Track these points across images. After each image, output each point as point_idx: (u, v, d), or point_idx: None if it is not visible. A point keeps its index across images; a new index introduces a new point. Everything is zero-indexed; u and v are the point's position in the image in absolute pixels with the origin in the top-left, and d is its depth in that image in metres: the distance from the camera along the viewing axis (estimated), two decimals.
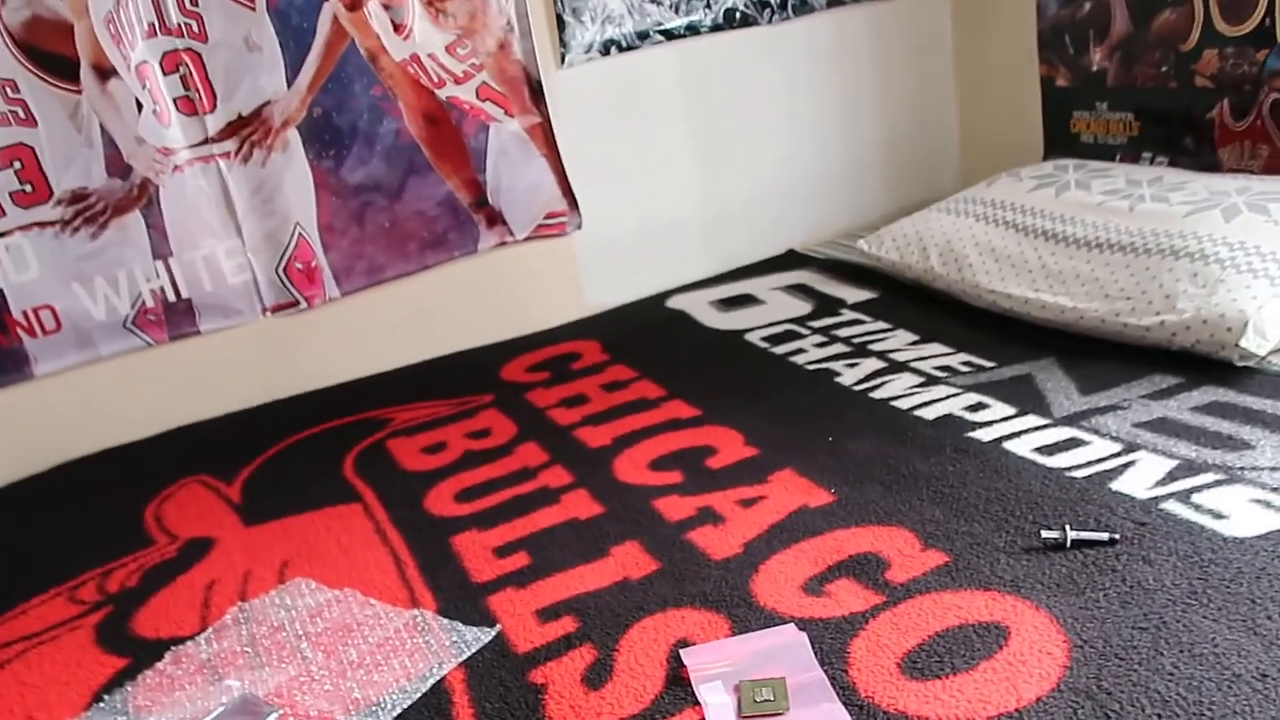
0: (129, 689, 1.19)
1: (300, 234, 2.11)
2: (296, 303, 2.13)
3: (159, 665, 1.23)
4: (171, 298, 2.04)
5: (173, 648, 1.26)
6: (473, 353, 2.22)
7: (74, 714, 1.16)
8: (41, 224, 1.91)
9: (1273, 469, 1.27)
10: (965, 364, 1.74)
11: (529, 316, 2.31)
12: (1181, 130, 2.18)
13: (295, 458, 1.80)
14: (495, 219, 2.27)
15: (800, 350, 1.93)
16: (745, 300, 2.28)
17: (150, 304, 2.02)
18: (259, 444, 1.86)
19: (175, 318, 2.05)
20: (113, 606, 1.39)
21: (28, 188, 1.89)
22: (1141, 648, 1.00)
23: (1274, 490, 1.22)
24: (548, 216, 2.32)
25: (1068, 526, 1.19)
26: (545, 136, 2.27)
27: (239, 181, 2.03)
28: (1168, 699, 0.93)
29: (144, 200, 1.98)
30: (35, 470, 1.92)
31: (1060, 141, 2.47)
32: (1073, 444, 1.41)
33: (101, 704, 1.18)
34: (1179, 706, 0.92)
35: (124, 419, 2.00)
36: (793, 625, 1.12)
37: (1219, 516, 1.19)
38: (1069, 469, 1.35)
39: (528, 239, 2.32)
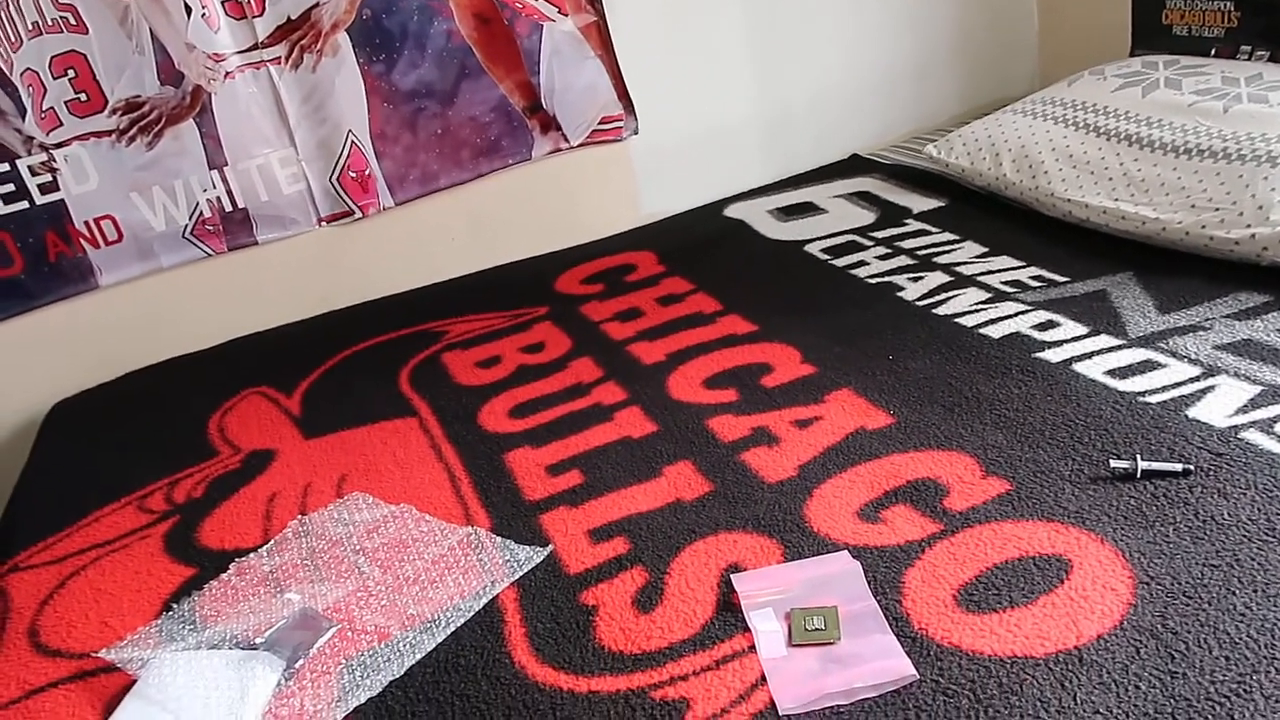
0: (196, 598, 1.23)
1: (353, 142, 2.08)
2: (351, 212, 2.12)
3: (224, 576, 1.26)
4: (228, 207, 2.04)
5: (237, 559, 1.30)
6: (527, 263, 2.20)
7: (145, 622, 1.21)
8: (98, 134, 1.91)
9: None
10: (1036, 279, 1.66)
11: (584, 226, 2.27)
12: None
13: (352, 370, 1.82)
14: (549, 124, 2.21)
15: (862, 263, 1.86)
16: (806, 209, 2.20)
17: (208, 214, 2.03)
18: (317, 356, 1.87)
19: (233, 228, 2.05)
20: (180, 516, 1.43)
21: (83, 96, 1.89)
22: (1212, 586, 0.96)
23: None
24: (603, 121, 2.26)
25: (1139, 456, 1.14)
26: (600, 36, 2.18)
27: (290, 88, 2.00)
28: (1238, 640, 0.89)
29: (197, 109, 1.96)
30: (106, 378, 1.97)
31: (1150, 34, 2.30)
32: (1148, 367, 1.35)
33: (171, 612, 1.22)
34: (1249, 649, 0.88)
35: (187, 329, 2.03)
36: (846, 553, 1.11)
37: None
38: (1143, 394, 1.29)
39: (583, 145, 2.26)
